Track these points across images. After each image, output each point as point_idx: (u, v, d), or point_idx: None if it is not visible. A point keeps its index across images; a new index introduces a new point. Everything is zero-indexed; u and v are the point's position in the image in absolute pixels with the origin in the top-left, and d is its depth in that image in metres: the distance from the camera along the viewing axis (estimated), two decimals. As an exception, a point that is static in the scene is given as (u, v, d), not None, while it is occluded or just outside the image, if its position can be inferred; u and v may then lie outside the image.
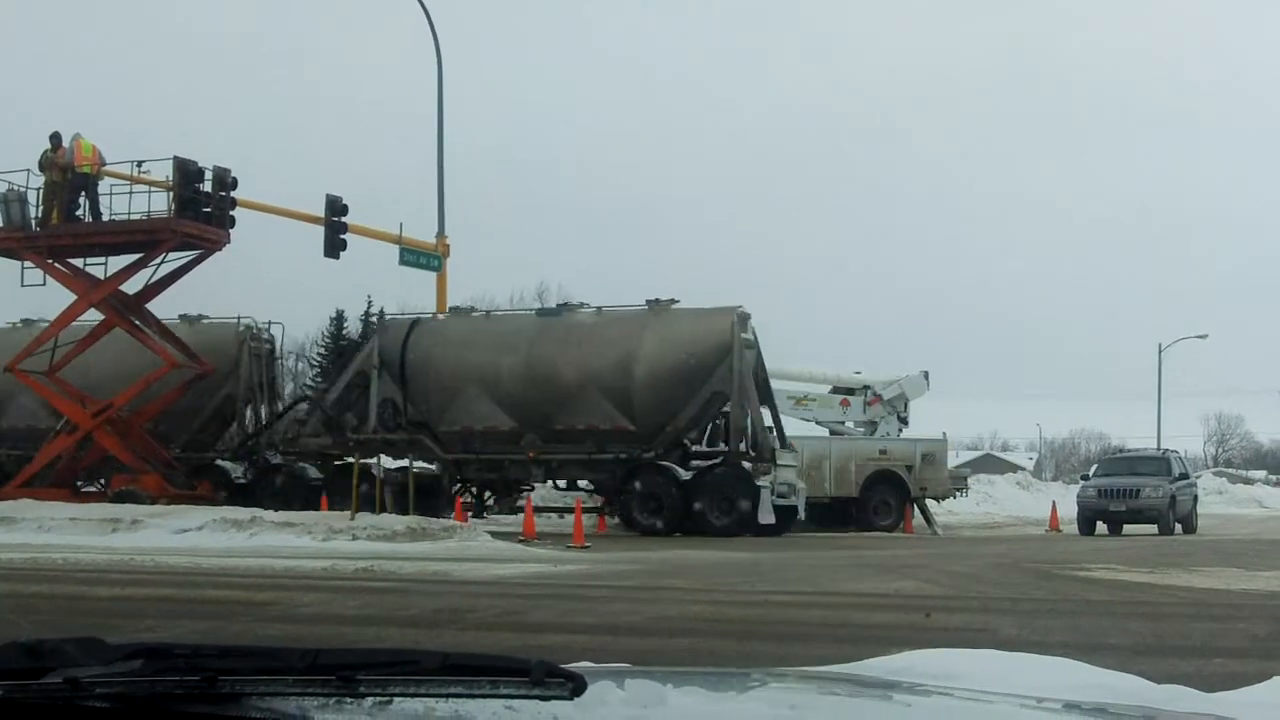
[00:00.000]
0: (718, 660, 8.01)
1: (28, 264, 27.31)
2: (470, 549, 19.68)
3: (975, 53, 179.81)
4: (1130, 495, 29.63)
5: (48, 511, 22.92)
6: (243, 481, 28.12)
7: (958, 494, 33.72)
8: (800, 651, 8.29)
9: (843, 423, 33.05)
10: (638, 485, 25.39)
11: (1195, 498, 32.90)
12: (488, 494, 27.87)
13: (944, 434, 32.78)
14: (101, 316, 27.85)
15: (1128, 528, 29.91)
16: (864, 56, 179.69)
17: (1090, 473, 33.90)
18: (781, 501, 25.53)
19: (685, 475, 25.51)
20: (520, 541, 21.78)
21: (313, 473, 27.69)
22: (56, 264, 27.27)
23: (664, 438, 25.96)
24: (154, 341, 28.00)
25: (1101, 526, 29.95)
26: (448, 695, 1.60)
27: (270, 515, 21.88)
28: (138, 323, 28.02)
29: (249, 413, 29.77)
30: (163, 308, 28.53)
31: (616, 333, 26.44)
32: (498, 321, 28.15)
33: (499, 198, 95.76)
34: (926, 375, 33.66)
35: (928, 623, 10.25)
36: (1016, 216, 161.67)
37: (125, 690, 1.58)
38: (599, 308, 27.43)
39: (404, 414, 27.19)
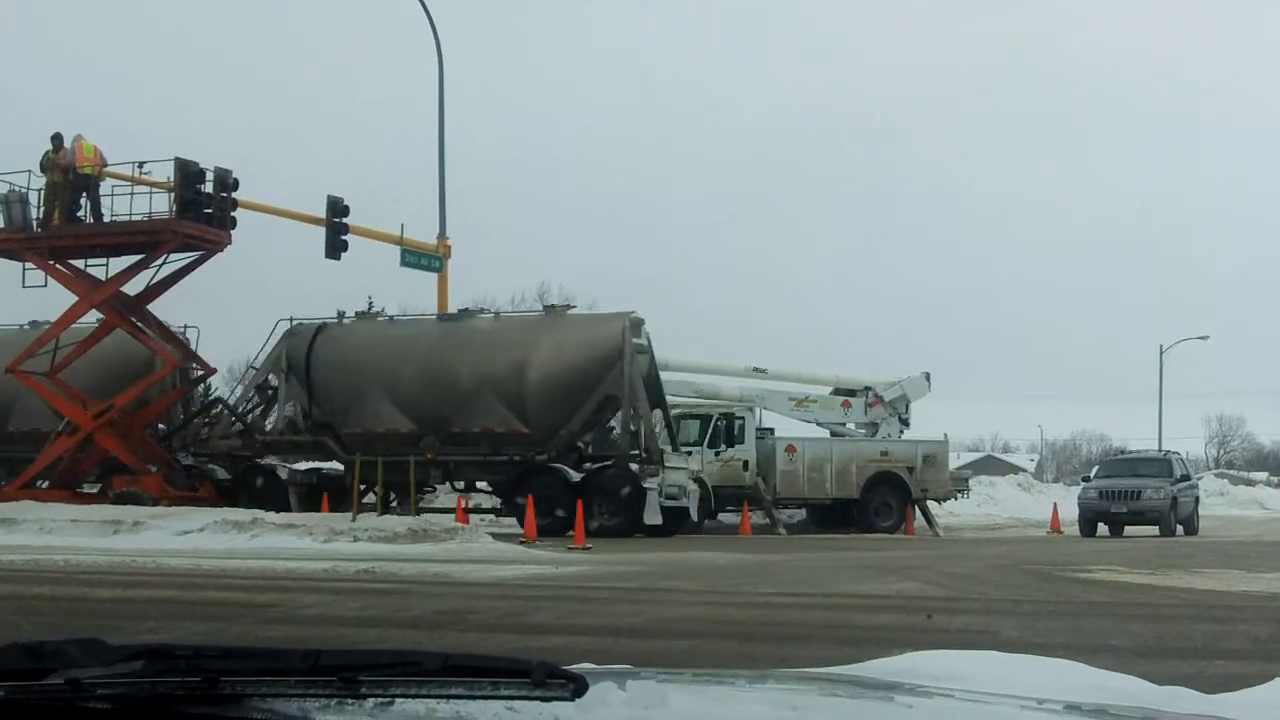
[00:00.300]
0: (719, 662, 8.01)
1: (29, 265, 27.30)
2: (471, 550, 19.69)
3: (975, 53, 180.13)
4: (1131, 497, 29.63)
5: (49, 513, 22.93)
6: None
7: (959, 495, 33.70)
8: (801, 653, 8.29)
9: (844, 424, 33.05)
10: (529, 486, 25.72)
11: (1196, 499, 32.90)
12: (392, 495, 28.19)
13: (945, 435, 32.76)
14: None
15: (1129, 529, 29.91)
16: (864, 56, 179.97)
17: (1091, 474, 33.88)
18: (672, 503, 26.03)
19: (576, 477, 25.97)
20: (521, 543, 21.80)
21: (221, 474, 28.03)
22: (58, 265, 27.26)
23: (558, 440, 26.48)
24: (155, 343, 28.02)
25: (1103, 528, 29.95)
26: (449, 696, 1.60)
27: (272, 517, 21.93)
28: (139, 324, 28.02)
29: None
30: (164, 309, 28.57)
31: (512, 338, 27.07)
32: (400, 326, 28.62)
33: (499, 198, 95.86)
34: (928, 377, 33.65)
35: (929, 624, 10.25)
36: (1016, 216, 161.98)
37: (127, 691, 1.58)
38: (497, 313, 28.27)
39: (310, 416, 27.85)
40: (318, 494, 26.61)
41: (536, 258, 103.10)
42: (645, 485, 25.71)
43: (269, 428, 28.35)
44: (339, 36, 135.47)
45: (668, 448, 27.15)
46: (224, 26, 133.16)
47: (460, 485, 28.43)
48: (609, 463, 26.44)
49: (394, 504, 27.53)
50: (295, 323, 28.28)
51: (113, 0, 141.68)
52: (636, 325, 26.84)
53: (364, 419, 27.19)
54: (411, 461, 25.23)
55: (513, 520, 26.16)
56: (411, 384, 26.81)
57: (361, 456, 26.67)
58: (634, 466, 26.04)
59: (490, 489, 28.05)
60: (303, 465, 28.03)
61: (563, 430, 26.51)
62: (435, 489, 28.50)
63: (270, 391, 28.58)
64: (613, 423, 27.66)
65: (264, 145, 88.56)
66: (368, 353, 27.28)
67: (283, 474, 27.02)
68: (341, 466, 27.63)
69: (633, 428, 26.46)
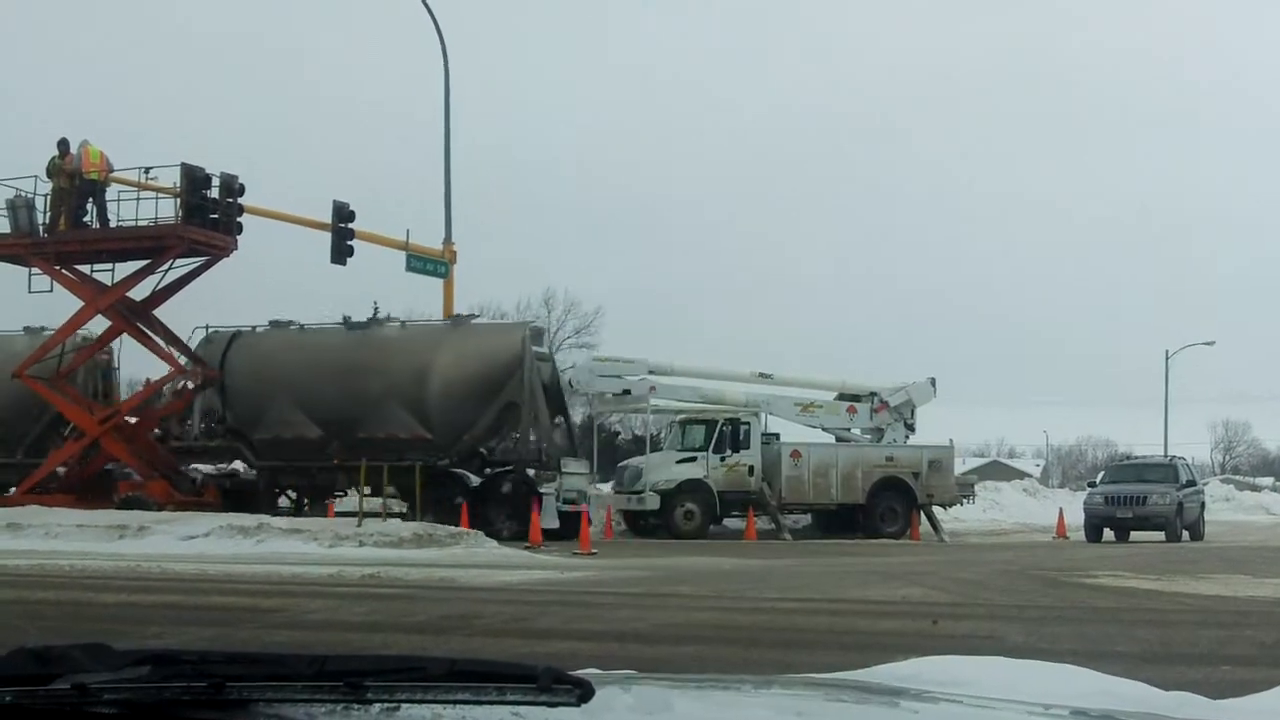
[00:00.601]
0: (724, 667, 8.01)
1: (35, 270, 27.34)
2: (476, 555, 19.71)
3: (975, 53, 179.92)
4: (1137, 502, 29.59)
5: (55, 518, 22.95)
6: None
7: (964, 501, 33.69)
8: (806, 659, 8.29)
9: (849, 429, 33.01)
10: (432, 491, 26.23)
11: (1202, 504, 32.84)
12: (305, 499, 28.92)
13: (951, 441, 32.73)
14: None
15: (1135, 535, 29.87)
16: (864, 56, 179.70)
17: (1097, 479, 33.84)
18: (571, 508, 26.63)
19: (475, 482, 26.69)
20: (526, 548, 21.82)
21: (137, 477, 28.30)
22: (64, 270, 27.28)
23: (461, 446, 27.04)
24: (161, 348, 28.06)
25: (1108, 533, 29.91)
26: (455, 701, 1.60)
27: (277, 521, 21.95)
28: (144, 329, 28.06)
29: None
30: (170, 314, 28.60)
31: (417, 346, 27.70)
32: (311, 335, 29.03)
33: (499, 198, 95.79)
34: (933, 382, 33.62)
35: (934, 630, 10.24)
36: (1016, 216, 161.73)
37: (133, 696, 1.58)
38: (404, 322, 28.84)
39: (224, 421, 28.48)
40: (232, 497, 27.11)
41: (537, 258, 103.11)
42: (541, 490, 26.37)
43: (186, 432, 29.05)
44: (339, 36, 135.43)
45: (565, 454, 27.90)
46: (224, 26, 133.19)
47: (367, 490, 28.83)
48: (509, 468, 27.12)
49: (306, 508, 28.27)
50: (211, 330, 28.62)
51: (113, 0, 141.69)
52: (538, 334, 28.01)
53: (274, 425, 27.74)
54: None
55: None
56: (320, 391, 27.33)
57: (271, 461, 27.53)
58: (531, 472, 26.75)
59: (397, 493, 28.48)
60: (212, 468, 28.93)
61: (465, 436, 27.09)
62: (346, 493, 28.99)
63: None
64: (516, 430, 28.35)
65: (265, 146, 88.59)
66: (279, 360, 27.80)
67: (197, 478, 27.77)
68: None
69: (532, 434, 27.09)
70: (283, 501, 28.63)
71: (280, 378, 27.47)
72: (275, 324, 28.97)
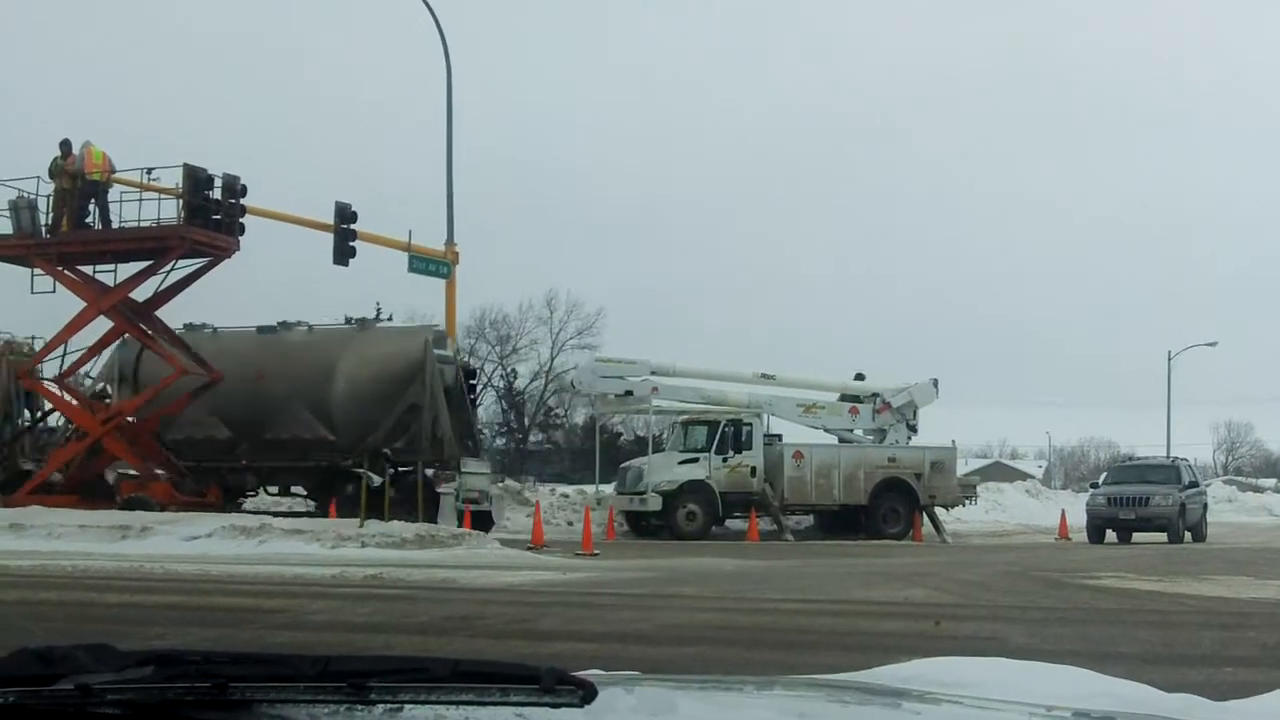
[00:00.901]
0: (726, 668, 8.01)
1: (37, 271, 27.33)
2: (478, 556, 19.70)
3: (975, 53, 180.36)
4: (1140, 503, 29.58)
5: (57, 518, 22.95)
6: None
7: (967, 502, 33.69)
8: (809, 659, 8.29)
9: (851, 430, 33.03)
10: (335, 491, 26.72)
11: (1205, 506, 32.83)
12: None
13: (953, 442, 32.74)
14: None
15: (1137, 536, 29.86)
16: (864, 56, 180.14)
17: (1100, 481, 33.84)
18: (473, 508, 26.94)
19: (377, 482, 26.75)
20: (529, 549, 21.82)
21: (58, 477, 28.50)
22: (66, 271, 27.28)
23: (364, 447, 27.26)
24: (163, 349, 28.07)
25: (1111, 535, 29.90)
26: (458, 702, 1.60)
27: (279, 522, 21.96)
28: (147, 330, 28.07)
29: (4, 422, 30.31)
30: (172, 315, 28.64)
31: (322, 349, 28.17)
32: (222, 339, 29.34)
33: (501, 200, 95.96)
34: (936, 383, 33.63)
35: (937, 631, 10.24)
36: (1016, 216, 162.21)
37: (136, 697, 1.58)
38: (311, 326, 29.18)
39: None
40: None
41: (539, 260, 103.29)
42: (440, 490, 26.74)
43: None
44: (339, 36, 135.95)
45: (466, 455, 28.22)
46: (224, 26, 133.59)
47: (274, 490, 29.51)
48: (410, 468, 27.43)
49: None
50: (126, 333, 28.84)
51: (113, 0, 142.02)
52: (440, 338, 28.45)
53: (186, 426, 28.17)
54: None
55: (521, 526, 26.50)
56: (230, 393, 27.60)
57: (183, 461, 27.79)
58: (430, 472, 27.08)
59: (305, 493, 29.14)
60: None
61: (369, 438, 27.36)
62: (257, 492, 29.54)
63: (107, 400, 29.35)
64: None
65: (265, 146, 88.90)
66: None
67: (110, 477, 27.98)
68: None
69: (437, 434, 27.43)
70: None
71: (192, 380, 27.64)
72: (189, 327, 29.30)
